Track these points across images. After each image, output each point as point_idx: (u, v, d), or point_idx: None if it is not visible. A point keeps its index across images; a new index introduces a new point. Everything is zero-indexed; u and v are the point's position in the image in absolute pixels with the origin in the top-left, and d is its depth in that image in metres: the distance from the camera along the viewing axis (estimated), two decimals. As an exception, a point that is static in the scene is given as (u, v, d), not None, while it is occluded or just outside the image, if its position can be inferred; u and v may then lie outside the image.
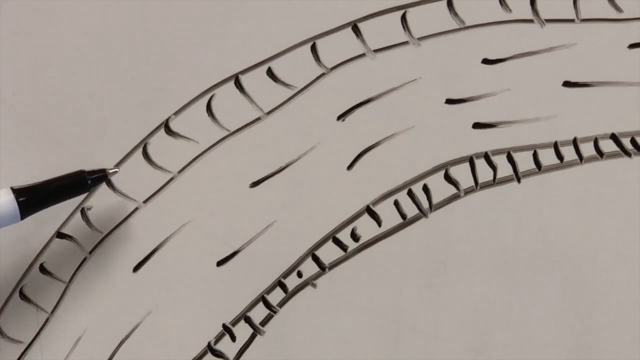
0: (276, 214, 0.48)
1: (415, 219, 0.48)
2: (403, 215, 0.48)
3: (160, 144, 0.47)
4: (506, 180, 0.48)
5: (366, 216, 0.48)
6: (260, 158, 0.48)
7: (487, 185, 0.48)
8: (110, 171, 0.45)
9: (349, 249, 0.48)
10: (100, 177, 0.45)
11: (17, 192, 0.43)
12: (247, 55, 0.47)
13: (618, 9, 0.48)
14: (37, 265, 0.47)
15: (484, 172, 0.48)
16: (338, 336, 0.48)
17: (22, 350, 0.47)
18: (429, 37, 0.48)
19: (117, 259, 0.47)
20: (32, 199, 0.43)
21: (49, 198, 0.44)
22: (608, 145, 0.49)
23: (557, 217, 0.48)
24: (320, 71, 0.48)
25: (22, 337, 0.47)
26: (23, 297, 0.46)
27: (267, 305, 0.48)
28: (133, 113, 0.47)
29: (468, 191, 0.48)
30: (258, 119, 0.48)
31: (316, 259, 0.48)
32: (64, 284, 0.47)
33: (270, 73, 0.48)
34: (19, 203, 0.42)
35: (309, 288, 0.48)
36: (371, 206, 0.48)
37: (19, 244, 0.46)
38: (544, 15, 0.48)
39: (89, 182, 0.44)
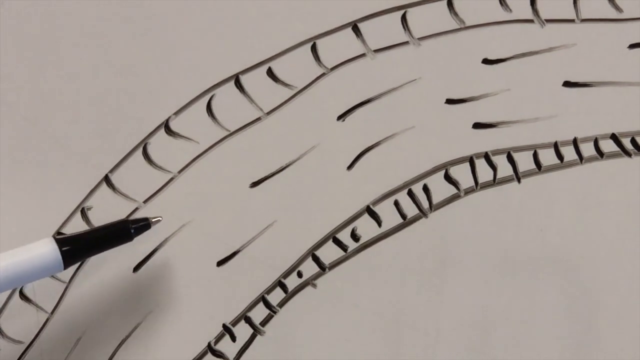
0: (276, 214, 0.48)
1: (415, 219, 0.48)
2: (403, 215, 0.48)
3: (160, 144, 0.47)
4: (506, 180, 0.48)
5: (366, 216, 0.48)
6: (260, 158, 0.48)
7: (487, 185, 0.48)
8: (154, 220, 0.45)
9: (349, 249, 0.48)
10: (143, 225, 0.44)
11: (60, 241, 0.42)
12: (247, 55, 0.47)
13: (618, 9, 0.48)
14: (37, 265, 0.47)
15: (484, 172, 0.48)
16: (338, 336, 0.48)
17: (22, 350, 0.47)
18: (429, 37, 0.48)
19: (117, 259, 0.47)
20: (75, 248, 0.42)
21: (93, 247, 0.43)
22: (608, 145, 0.49)
23: (557, 217, 0.48)
24: (320, 71, 0.48)
25: (22, 337, 0.47)
26: (23, 297, 0.46)
27: (267, 305, 0.48)
28: (133, 113, 0.47)
29: (468, 191, 0.48)
30: (258, 119, 0.48)
31: (316, 259, 0.48)
32: (64, 284, 0.47)
33: (270, 73, 0.48)
34: (62, 252, 0.42)
35: (309, 288, 0.48)
36: (371, 206, 0.48)
37: (19, 244, 0.46)
38: (544, 15, 0.48)
39: (132, 231, 0.44)
